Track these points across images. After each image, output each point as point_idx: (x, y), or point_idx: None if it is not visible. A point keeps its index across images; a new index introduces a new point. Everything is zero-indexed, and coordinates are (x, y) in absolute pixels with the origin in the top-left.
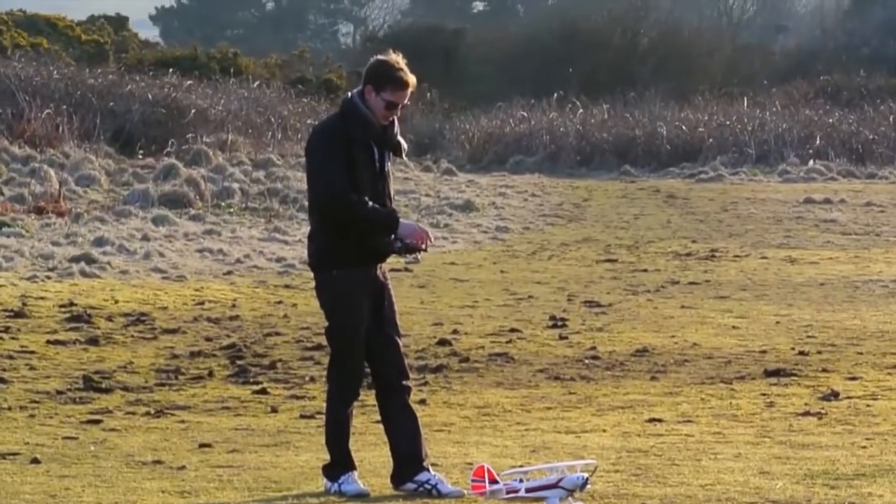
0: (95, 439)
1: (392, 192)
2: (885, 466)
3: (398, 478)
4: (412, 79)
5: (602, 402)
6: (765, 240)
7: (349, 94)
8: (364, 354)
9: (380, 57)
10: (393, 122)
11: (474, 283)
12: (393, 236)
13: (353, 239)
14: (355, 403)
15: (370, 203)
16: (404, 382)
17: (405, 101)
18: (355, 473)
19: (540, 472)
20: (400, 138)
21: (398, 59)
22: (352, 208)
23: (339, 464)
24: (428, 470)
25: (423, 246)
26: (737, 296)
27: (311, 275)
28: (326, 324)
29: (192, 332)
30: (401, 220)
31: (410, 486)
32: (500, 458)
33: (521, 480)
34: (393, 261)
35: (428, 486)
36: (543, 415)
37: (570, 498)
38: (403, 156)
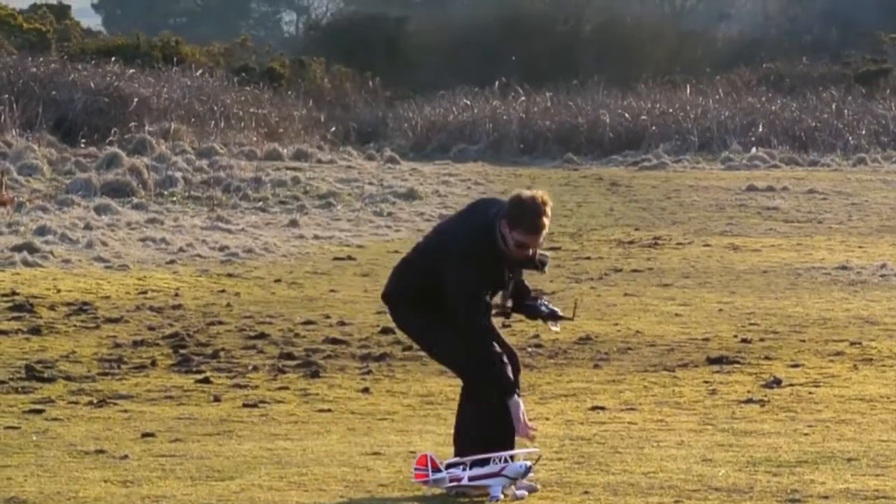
0: (38, 429)
1: (518, 293)
2: (827, 453)
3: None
4: (546, 222)
5: (545, 390)
6: (707, 227)
7: (499, 220)
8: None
9: (523, 194)
10: (533, 255)
11: None
12: (541, 301)
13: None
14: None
15: (500, 357)
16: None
17: (538, 244)
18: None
19: (483, 461)
20: (540, 252)
21: (536, 197)
22: (482, 339)
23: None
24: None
25: (570, 317)
26: (679, 283)
27: (254, 264)
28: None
29: (134, 321)
30: (513, 398)
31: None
32: (443, 447)
33: (463, 469)
34: (338, 249)
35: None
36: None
37: (512, 486)
38: (544, 270)
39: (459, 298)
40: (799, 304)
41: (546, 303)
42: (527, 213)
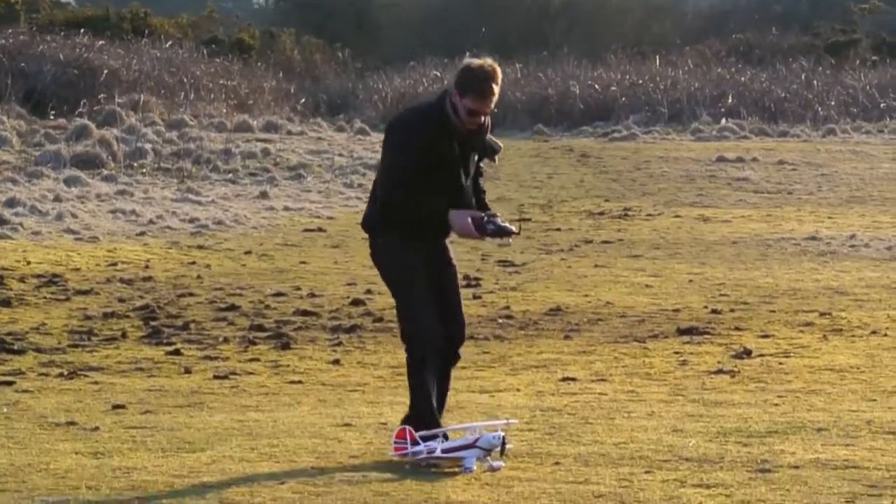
0: (8, 401)
1: (478, 191)
2: (797, 424)
3: None
4: (496, 87)
5: (516, 361)
6: (678, 198)
7: (446, 90)
8: (432, 313)
9: (471, 63)
10: (481, 127)
11: None
12: (485, 218)
13: (412, 220)
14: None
15: (427, 201)
16: (459, 350)
17: (488, 110)
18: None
19: (456, 433)
20: (490, 138)
21: (484, 65)
22: (406, 205)
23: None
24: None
25: (517, 231)
26: (650, 254)
27: (225, 236)
28: (384, 281)
29: (105, 293)
30: (453, 211)
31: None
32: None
33: (442, 441)
34: (308, 220)
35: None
36: (457, 374)
37: (487, 457)
38: (495, 159)
39: (388, 170)
40: (769, 274)
41: (494, 219)
42: (476, 79)
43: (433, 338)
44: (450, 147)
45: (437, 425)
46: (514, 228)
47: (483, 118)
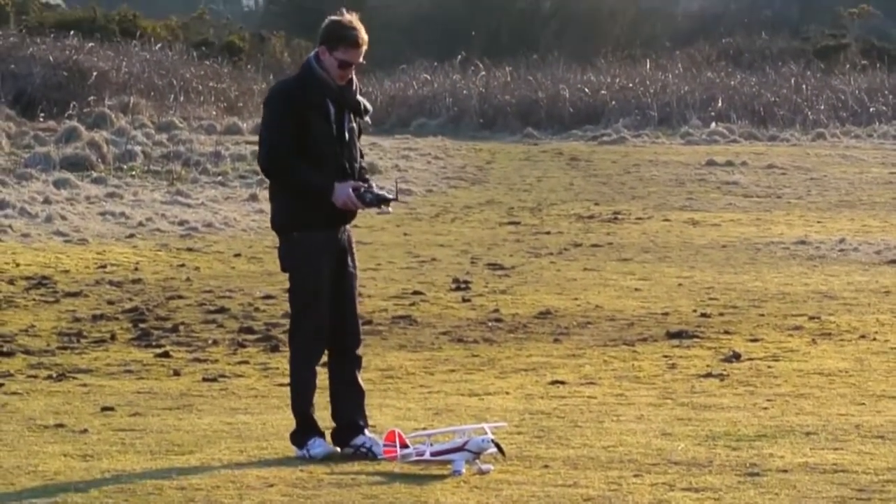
0: None
1: (357, 153)
2: (786, 427)
3: (338, 440)
4: (365, 37)
5: (505, 364)
6: (667, 202)
7: (309, 55)
8: (326, 316)
9: (333, 17)
10: (351, 82)
11: (377, 246)
12: (363, 188)
13: (313, 201)
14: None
15: (306, 169)
16: (357, 352)
17: (359, 60)
18: (321, 439)
19: (445, 436)
20: (361, 98)
21: (351, 19)
22: (285, 174)
23: (305, 430)
24: (364, 433)
25: (394, 197)
26: (639, 258)
27: (214, 238)
28: (289, 284)
29: (94, 295)
30: (336, 184)
31: (348, 449)
32: (403, 421)
33: (431, 444)
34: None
35: (364, 450)
36: (447, 377)
37: (476, 461)
38: (366, 117)
39: (262, 136)
40: (758, 278)
41: (371, 189)
42: (345, 29)
43: (319, 344)
44: (322, 104)
45: (312, 425)
46: (391, 196)
47: (352, 72)
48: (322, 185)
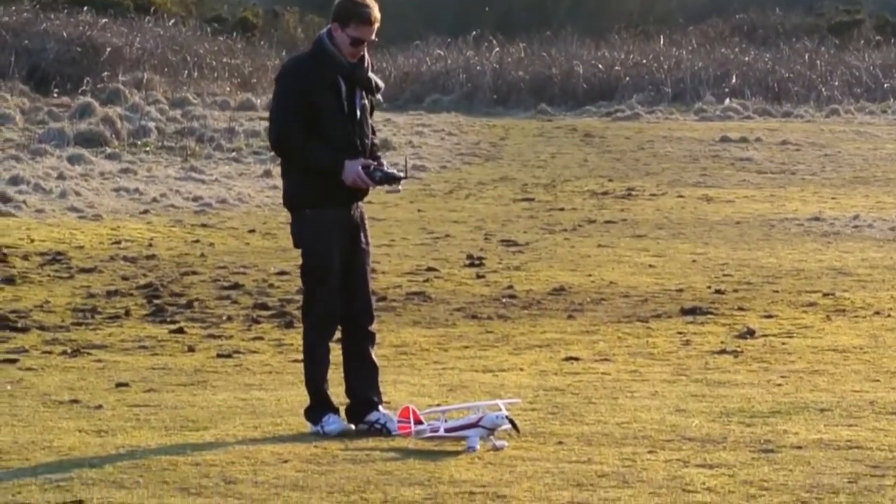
0: (11, 378)
1: (368, 131)
2: (800, 404)
3: (353, 416)
4: (377, 14)
5: (519, 340)
6: (681, 178)
7: (321, 32)
8: (339, 292)
9: None
10: (363, 59)
11: (391, 222)
12: (373, 166)
13: (324, 178)
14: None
15: (316, 146)
16: (370, 328)
17: (371, 37)
18: (335, 415)
19: (460, 412)
20: (372, 75)
21: None
22: (295, 152)
23: (319, 406)
24: (379, 409)
25: (403, 175)
26: (653, 234)
27: (228, 214)
28: (301, 261)
29: (108, 271)
30: (346, 162)
31: (363, 426)
32: (417, 397)
33: (445, 420)
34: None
35: (378, 426)
36: (460, 354)
37: (491, 437)
38: (378, 94)
39: (272, 114)
40: (772, 255)
41: (382, 166)
42: (358, 7)
43: (332, 320)
44: (334, 81)
45: (326, 401)
46: (400, 174)
47: (363, 49)
48: (332, 162)
